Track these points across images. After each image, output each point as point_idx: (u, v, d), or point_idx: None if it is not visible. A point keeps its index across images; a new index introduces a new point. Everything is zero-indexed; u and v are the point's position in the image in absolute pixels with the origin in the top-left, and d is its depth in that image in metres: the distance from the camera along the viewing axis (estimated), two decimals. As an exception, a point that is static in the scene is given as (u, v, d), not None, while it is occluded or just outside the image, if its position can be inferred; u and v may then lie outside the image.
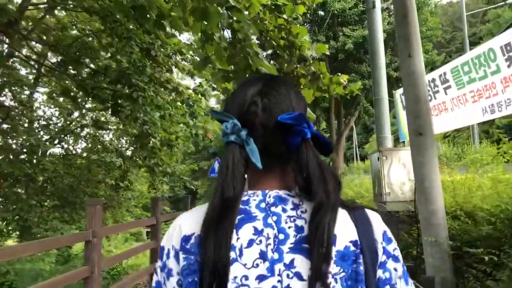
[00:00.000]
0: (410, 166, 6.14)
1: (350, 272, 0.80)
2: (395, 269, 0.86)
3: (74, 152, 13.58)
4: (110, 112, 7.48)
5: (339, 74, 4.85)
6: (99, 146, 11.00)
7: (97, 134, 12.96)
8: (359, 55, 15.25)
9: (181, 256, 0.84)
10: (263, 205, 0.86)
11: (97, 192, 13.16)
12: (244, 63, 2.82)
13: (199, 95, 7.92)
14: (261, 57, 2.78)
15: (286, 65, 4.64)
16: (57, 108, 12.75)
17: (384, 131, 6.72)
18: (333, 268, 0.79)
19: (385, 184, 6.05)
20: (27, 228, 11.24)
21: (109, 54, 7.12)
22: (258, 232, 0.82)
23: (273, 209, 0.85)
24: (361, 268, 0.81)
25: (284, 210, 0.85)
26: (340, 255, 0.81)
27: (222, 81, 3.34)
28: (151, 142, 6.49)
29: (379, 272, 0.84)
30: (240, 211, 0.85)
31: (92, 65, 7.64)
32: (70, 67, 7.13)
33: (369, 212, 0.90)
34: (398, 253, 0.89)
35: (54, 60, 9.78)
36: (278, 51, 4.96)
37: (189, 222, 0.88)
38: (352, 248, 0.82)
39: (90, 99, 8.30)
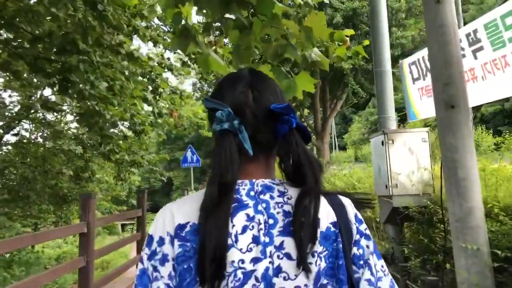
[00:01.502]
0: (418, 151, 5.05)
1: (332, 250, 0.89)
2: (367, 246, 0.94)
3: (33, 139, 12.15)
4: (57, 89, 6.12)
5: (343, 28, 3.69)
6: (54, 133, 9.53)
7: (57, 118, 11.52)
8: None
9: (176, 243, 0.86)
10: (252, 193, 0.92)
11: (57, 183, 11.74)
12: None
13: (165, 69, 6.60)
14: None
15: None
16: (8, 91, 11.27)
17: (387, 110, 5.62)
18: (318, 247, 0.87)
19: (391, 174, 4.95)
20: (-31, 226, 9.80)
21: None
22: (250, 219, 0.88)
23: (262, 196, 0.91)
24: (340, 246, 0.89)
25: (271, 197, 0.91)
26: (323, 236, 0.89)
27: (172, 5, 2.13)
28: (99, 122, 5.12)
29: (354, 249, 0.92)
30: (233, 200, 0.89)
31: (32, 32, 6.25)
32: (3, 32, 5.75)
33: (342, 197, 0.97)
34: (368, 232, 0.96)
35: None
36: None
37: (183, 211, 0.90)
38: (333, 229, 0.90)
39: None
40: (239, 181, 0.92)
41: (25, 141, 11.66)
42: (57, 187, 11.72)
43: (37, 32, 6.24)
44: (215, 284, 0.81)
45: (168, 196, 39.74)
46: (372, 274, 0.91)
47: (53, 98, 9.52)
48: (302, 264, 0.83)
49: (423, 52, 5.06)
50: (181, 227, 0.87)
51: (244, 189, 0.91)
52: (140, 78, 5.95)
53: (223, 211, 0.84)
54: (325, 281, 0.86)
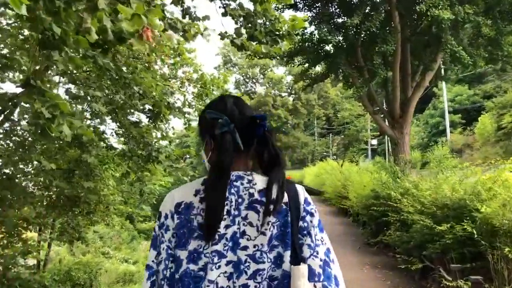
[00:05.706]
0: None
1: (283, 222, 1.33)
2: (311, 221, 1.37)
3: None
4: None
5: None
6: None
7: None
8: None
9: (175, 216, 1.36)
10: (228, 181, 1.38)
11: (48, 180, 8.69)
12: None
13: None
14: None
15: None
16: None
17: None
18: (272, 219, 1.33)
19: None
20: None
21: None
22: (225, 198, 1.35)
23: (234, 183, 1.37)
24: (289, 219, 1.34)
25: (241, 184, 1.38)
26: (277, 211, 1.33)
27: None
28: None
29: (300, 223, 1.36)
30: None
31: None
32: None
33: (297, 186, 1.44)
34: (313, 211, 1.40)
35: None
36: None
37: (180, 194, 1.40)
38: (284, 207, 1.35)
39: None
40: None
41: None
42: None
43: None
44: (211, 241, 1.29)
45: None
46: (312, 241, 1.35)
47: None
48: (260, 230, 1.31)
49: None
50: (178, 205, 1.37)
51: None
52: None
53: (220, 190, 1.33)
54: (276, 243, 1.32)
